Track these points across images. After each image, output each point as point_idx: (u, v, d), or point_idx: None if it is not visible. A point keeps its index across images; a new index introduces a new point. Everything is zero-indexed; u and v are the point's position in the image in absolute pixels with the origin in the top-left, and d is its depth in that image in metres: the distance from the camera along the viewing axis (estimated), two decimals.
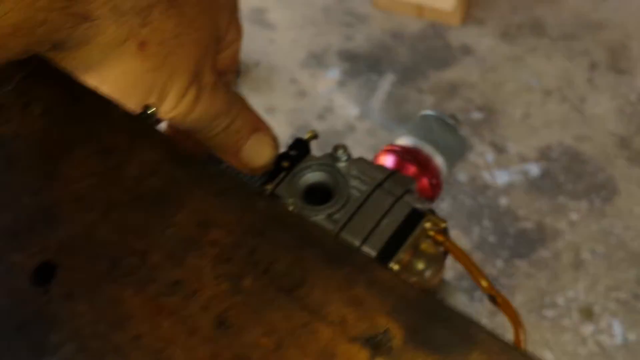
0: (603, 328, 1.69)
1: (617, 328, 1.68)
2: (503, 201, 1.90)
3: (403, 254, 0.50)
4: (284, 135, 2.07)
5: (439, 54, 2.22)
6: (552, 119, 2.04)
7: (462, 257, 0.53)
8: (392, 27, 2.30)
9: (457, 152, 0.68)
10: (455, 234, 1.85)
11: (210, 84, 0.43)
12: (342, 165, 0.53)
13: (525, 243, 1.82)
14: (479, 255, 1.81)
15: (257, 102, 2.20)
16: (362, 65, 2.22)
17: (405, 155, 0.66)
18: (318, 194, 0.53)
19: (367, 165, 0.54)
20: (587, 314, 1.71)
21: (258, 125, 0.51)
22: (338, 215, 0.51)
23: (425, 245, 0.52)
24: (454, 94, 2.12)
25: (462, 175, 1.95)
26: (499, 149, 1.99)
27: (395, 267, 0.49)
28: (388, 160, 0.66)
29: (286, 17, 2.38)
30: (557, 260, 1.79)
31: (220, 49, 0.46)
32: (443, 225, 0.52)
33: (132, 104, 0.39)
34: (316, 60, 2.25)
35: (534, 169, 1.95)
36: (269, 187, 0.53)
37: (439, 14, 2.24)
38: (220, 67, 0.47)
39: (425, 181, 0.65)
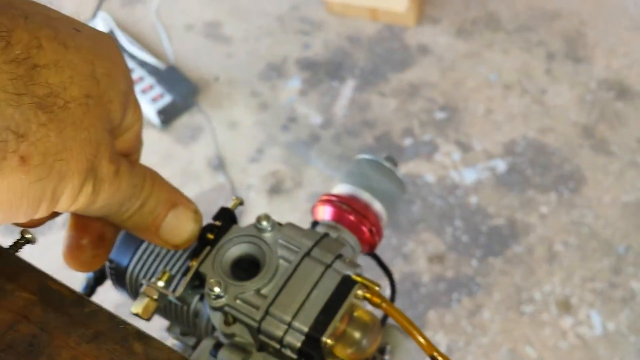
0: (582, 320, 1.68)
1: (596, 318, 1.68)
2: (473, 199, 1.89)
3: (338, 324, 0.48)
4: (250, 150, 2.06)
5: (398, 56, 2.20)
6: (515, 112, 2.03)
7: (400, 318, 0.51)
8: (348, 31, 2.29)
9: (395, 195, 0.67)
10: (428, 237, 1.84)
11: (109, 175, 0.41)
12: (267, 235, 0.51)
13: (498, 240, 1.82)
14: (454, 256, 1.80)
15: (219, 117, 2.21)
16: (322, 72, 2.20)
17: (342, 205, 0.64)
18: (246, 266, 0.51)
19: (295, 232, 0.52)
20: (565, 306, 1.71)
21: (176, 201, 0.49)
22: (266, 289, 0.49)
23: (360, 312, 0.50)
24: (415, 95, 2.10)
25: (430, 177, 1.94)
26: (465, 147, 1.98)
27: (329, 342, 0.47)
28: (326, 212, 0.65)
29: (241, 29, 2.35)
30: (531, 255, 1.79)
31: (117, 135, 0.44)
32: (376, 288, 0.51)
33: (21, 215, 0.38)
34: (276, 71, 2.23)
35: (501, 165, 1.94)
36: (194, 263, 0.51)
37: (392, 15, 2.23)
38: (121, 149, 0.45)
39: (364, 229, 0.64)
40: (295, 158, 2.04)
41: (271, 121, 2.12)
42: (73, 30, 0.40)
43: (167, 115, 2.12)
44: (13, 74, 0.35)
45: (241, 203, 0.55)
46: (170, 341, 0.62)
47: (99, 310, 0.29)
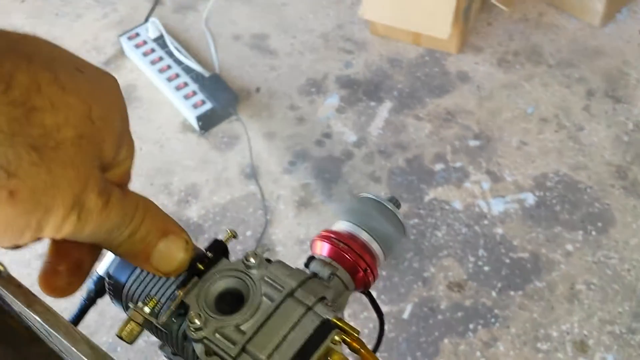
0: None
1: None
2: (499, 230, 1.89)
3: None
4: (283, 161, 2.08)
5: (437, 81, 2.21)
6: (549, 147, 2.02)
7: None
8: (390, 53, 2.30)
9: (394, 238, 0.68)
10: (450, 264, 1.84)
11: (97, 207, 0.42)
12: (254, 271, 0.53)
13: (520, 274, 1.81)
14: (474, 285, 1.80)
15: (256, 127, 2.24)
16: (360, 91, 2.22)
17: (340, 243, 0.66)
18: (231, 300, 0.53)
19: (282, 271, 0.54)
20: (582, 347, 1.69)
21: (167, 229, 0.50)
22: (246, 325, 0.50)
23: (337, 358, 0.51)
24: (450, 122, 2.11)
25: (458, 204, 1.94)
26: (495, 178, 1.98)
27: None
28: (324, 248, 0.66)
29: (287, 43, 2.38)
30: (552, 292, 1.78)
31: (107, 170, 0.45)
32: (356, 334, 0.52)
33: (5, 242, 0.39)
34: (315, 87, 2.25)
35: (530, 198, 1.93)
36: (180, 293, 0.52)
37: (435, 41, 2.24)
38: (110, 181, 0.47)
39: (360, 269, 0.65)
40: (327, 173, 2.06)
41: (307, 135, 2.14)
42: (74, 71, 0.42)
43: (207, 122, 2.15)
44: (10, 115, 0.37)
45: (234, 236, 0.56)
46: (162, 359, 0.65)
47: (52, 352, 0.31)
